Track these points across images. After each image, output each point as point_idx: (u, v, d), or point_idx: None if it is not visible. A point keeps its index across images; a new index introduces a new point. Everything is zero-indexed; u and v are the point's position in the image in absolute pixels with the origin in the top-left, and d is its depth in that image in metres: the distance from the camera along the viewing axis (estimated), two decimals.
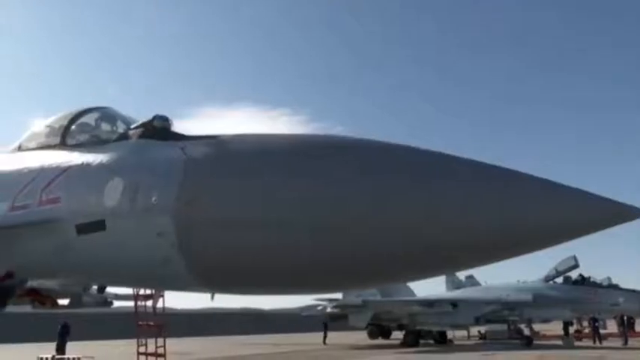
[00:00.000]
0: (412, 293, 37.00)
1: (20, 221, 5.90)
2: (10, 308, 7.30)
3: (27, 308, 12.82)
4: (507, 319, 34.31)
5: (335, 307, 36.64)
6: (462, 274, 41.84)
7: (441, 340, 34.70)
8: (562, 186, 3.56)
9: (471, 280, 41.63)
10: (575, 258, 31.62)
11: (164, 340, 7.44)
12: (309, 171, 4.09)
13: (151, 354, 7.29)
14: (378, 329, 38.10)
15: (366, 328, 37.41)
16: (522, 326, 34.62)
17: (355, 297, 34.17)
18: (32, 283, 7.61)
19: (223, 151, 4.63)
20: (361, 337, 37.76)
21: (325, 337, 37.26)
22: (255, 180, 4.21)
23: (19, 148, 7.36)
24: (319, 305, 39.13)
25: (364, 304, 33.75)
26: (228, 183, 4.34)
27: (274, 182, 4.13)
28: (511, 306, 33.00)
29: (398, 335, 36.42)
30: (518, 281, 35.90)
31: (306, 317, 44.56)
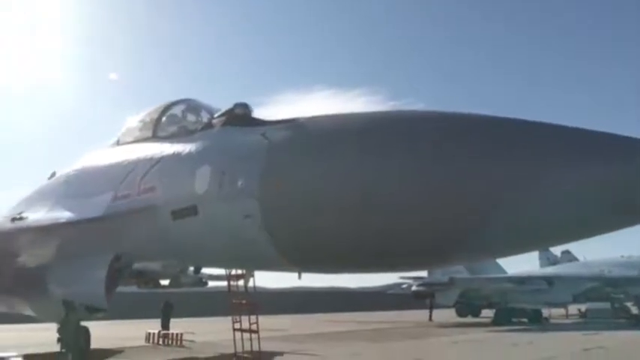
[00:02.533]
0: (502, 270, 35.62)
1: (123, 210, 6.44)
2: (119, 288, 8.00)
3: (133, 288, 14.01)
4: (611, 296, 32.02)
5: (420, 285, 36.30)
6: (557, 250, 39.52)
7: (536, 319, 33.11)
8: None
9: (568, 256, 39.12)
10: None
11: (257, 317, 7.83)
12: (388, 148, 4.04)
13: (245, 330, 7.71)
14: (467, 307, 37.20)
15: (453, 306, 36.69)
16: (629, 304, 32.13)
17: (441, 275, 33.58)
18: (137, 266, 8.28)
19: (302, 133, 4.70)
20: (448, 314, 37.10)
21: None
22: (335, 160, 4.24)
23: (118, 143, 7.99)
24: (404, 284, 38.96)
25: (451, 282, 33.08)
26: (308, 164, 4.41)
27: (354, 161, 4.13)
28: (615, 283, 30.74)
29: (488, 313, 35.33)
30: (622, 256, 33.21)
31: (392, 295, 44.62)
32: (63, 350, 8.11)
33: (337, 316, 40.24)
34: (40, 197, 9.29)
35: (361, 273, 5.16)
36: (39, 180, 10.60)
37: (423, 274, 34.62)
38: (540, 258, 40.99)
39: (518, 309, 33.04)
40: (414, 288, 37.23)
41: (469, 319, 36.13)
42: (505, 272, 35.56)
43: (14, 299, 11.62)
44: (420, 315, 36.82)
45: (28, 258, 9.09)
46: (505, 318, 31.92)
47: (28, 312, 12.08)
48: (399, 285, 40.40)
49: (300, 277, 5.49)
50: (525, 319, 32.94)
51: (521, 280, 32.47)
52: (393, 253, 4.14)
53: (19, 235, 8.43)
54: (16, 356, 15.61)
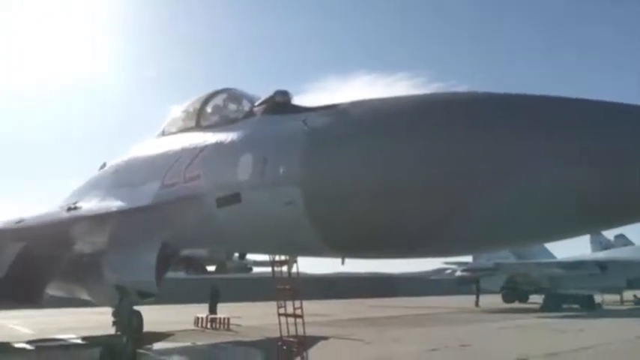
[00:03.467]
0: (550, 255, 34.55)
1: (170, 198, 6.64)
2: (168, 274, 8.29)
3: (181, 274, 14.51)
4: None
5: (465, 270, 35.76)
6: (610, 234, 37.88)
7: (588, 305, 31.97)
8: None
9: (622, 240, 37.39)
10: None
11: (301, 303, 7.94)
12: (430, 131, 3.96)
13: (290, 315, 7.85)
14: (514, 293, 36.38)
15: (499, 291, 35.98)
16: None
17: (486, 260, 32.93)
18: (184, 253, 8.54)
19: (343, 118, 4.68)
20: (493, 300, 36.41)
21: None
22: (376, 145, 4.19)
23: (163, 133, 8.22)
24: (448, 269, 38.49)
25: (497, 267, 32.43)
26: (350, 149, 4.39)
27: (395, 146, 4.08)
28: None
29: (537, 299, 34.42)
30: None
31: (435, 281, 44.19)
32: (118, 333, 8.51)
33: (380, 302, 40.26)
34: (92, 187, 9.71)
35: (404, 258, 5.12)
36: (91, 171, 11.08)
37: (468, 259, 34.10)
38: (592, 242, 39.45)
39: (568, 295, 31.98)
40: (458, 273, 36.75)
41: (516, 305, 35.36)
42: (554, 257, 34.47)
43: (73, 285, 12.28)
44: (464, 301, 36.31)
45: (84, 246, 9.55)
46: (555, 304, 30.97)
47: (86, 296, 12.75)
48: (442, 270, 39.95)
49: (343, 263, 5.49)
50: (576, 306, 31.90)
51: (573, 265, 31.41)
52: (438, 238, 4.08)
53: (74, 224, 8.85)
54: (76, 338, 16.53)
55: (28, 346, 14.63)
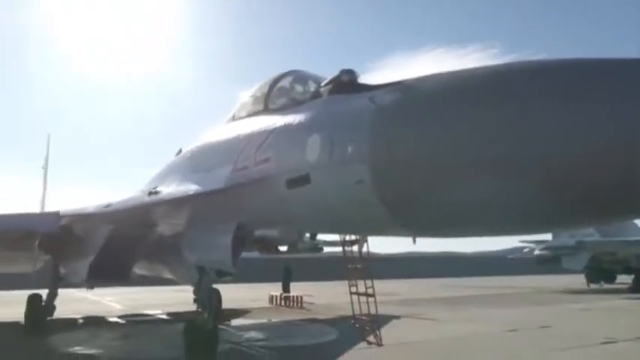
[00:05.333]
0: (639, 231, 32.02)
1: (242, 181, 6.84)
2: (243, 254, 8.60)
3: (255, 254, 15.05)
4: None
5: (544, 249, 34.07)
6: None
7: None
8: None
9: None
10: None
11: (372, 282, 7.96)
12: (503, 103, 3.75)
13: (362, 294, 7.89)
14: (599, 272, 34.14)
15: (582, 271, 33.97)
16: None
17: (568, 238, 31.15)
18: (258, 233, 8.81)
19: (411, 94, 4.55)
20: (576, 280, 34.52)
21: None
22: (446, 120, 4.05)
23: (233, 118, 8.45)
24: (526, 247, 36.87)
25: (580, 245, 30.56)
26: (419, 126, 4.27)
27: (466, 120, 3.91)
28: None
29: (625, 279, 32.20)
30: None
31: (511, 260, 42.56)
32: (199, 309, 8.99)
33: (452, 281, 39.53)
34: (170, 173, 10.22)
35: (481, 236, 4.93)
36: (168, 157, 11.67)
37: (547, 237, 32.39)
38: None
39: None
40: (537, 252, 35.03)
41: (601, 286, 33.31)
42: None
43: (156, 264, 13.11)
44: (544, 281, 34.75)
45: (165, 227, 10.13)
46: None
47: (169, 275, 13.58)
48: (519, 249, 38.34)
49: (414, 242, 5.42)
50: None
51: None
52: (519, 214, 3.88)
53: (155, 207, 9.39)
54: (161, 313, 17.71)
55: (120, 320, 15.89)
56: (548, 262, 34.83)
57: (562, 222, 4.38)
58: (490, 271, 47.06)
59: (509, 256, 41.79)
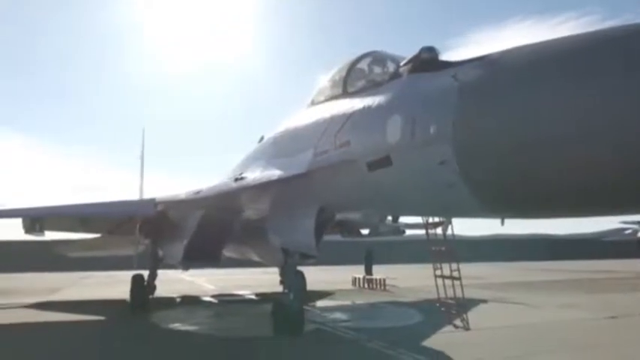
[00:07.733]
0: None
1: (324, 165, 6.95)
2: (325, 237, 8.75)
3: (337, 237, 15.25)
4: None
5: None
6: None
7: None
8: None
9: None
10: None
11: (457, 265, 7.77)
12: (600, 73, 3.47)
13: (447, 277, 7.73)
14: None
15: None
16: None
17: None
18: (339, 217, 8.92)
19: (496, 69, 4.34)
20: None
21: None
22: (535, 94, 3.82)
23: (312, 103, 8.56)
24: (627, 229, 34.05)
25: None
26: (505, 102, 4.08)
27: (559, 94, 3.67)
28: None
29: None
30: None
31: (609, 243, 39.43)
32: (285, 291, 9.32)
33: (541, 265, 37.51)
34: (254, 159, 10.61)
35: (576, 217, 4.62)
36: (251, 144, 12.11)
37: None
38: None
39: None
40: None
41: None
42: None
43: (244, 247, 13.75)
44: None
45: (251, 212, 10.57)
46: None
47: (256, 258, 14.19)
48: (620, 231, 35.51)
49: (502, 224, 5.19)
50: None
51: None
52: (616, 193, 3.60)
53: (242, 192, 9.81)
54: (251, 294, 18.58)
55: (213, 300, 16.90)
56: None
57: None
58: (584, 255, 44.00)
59: (607, 239, 38.73)
